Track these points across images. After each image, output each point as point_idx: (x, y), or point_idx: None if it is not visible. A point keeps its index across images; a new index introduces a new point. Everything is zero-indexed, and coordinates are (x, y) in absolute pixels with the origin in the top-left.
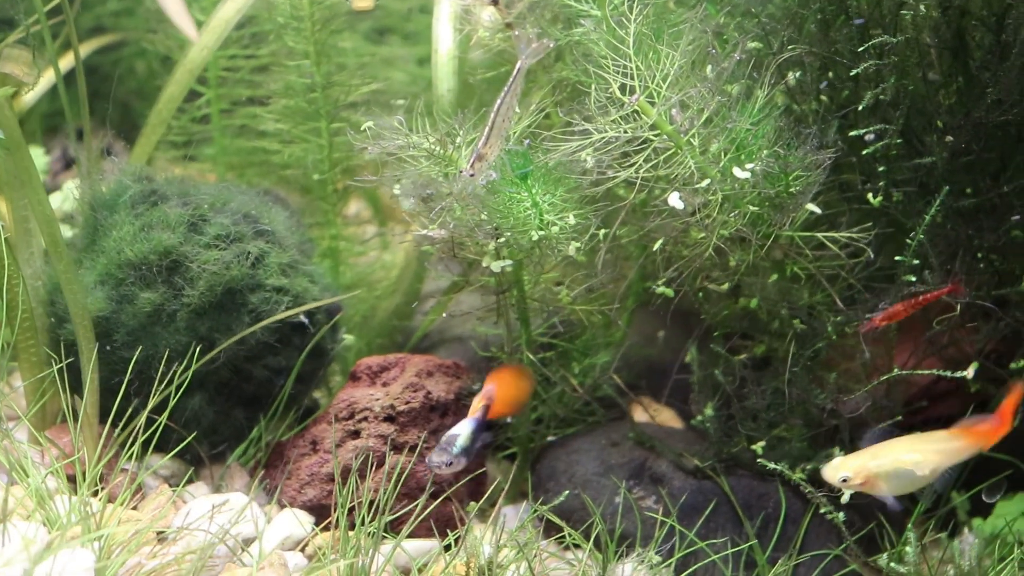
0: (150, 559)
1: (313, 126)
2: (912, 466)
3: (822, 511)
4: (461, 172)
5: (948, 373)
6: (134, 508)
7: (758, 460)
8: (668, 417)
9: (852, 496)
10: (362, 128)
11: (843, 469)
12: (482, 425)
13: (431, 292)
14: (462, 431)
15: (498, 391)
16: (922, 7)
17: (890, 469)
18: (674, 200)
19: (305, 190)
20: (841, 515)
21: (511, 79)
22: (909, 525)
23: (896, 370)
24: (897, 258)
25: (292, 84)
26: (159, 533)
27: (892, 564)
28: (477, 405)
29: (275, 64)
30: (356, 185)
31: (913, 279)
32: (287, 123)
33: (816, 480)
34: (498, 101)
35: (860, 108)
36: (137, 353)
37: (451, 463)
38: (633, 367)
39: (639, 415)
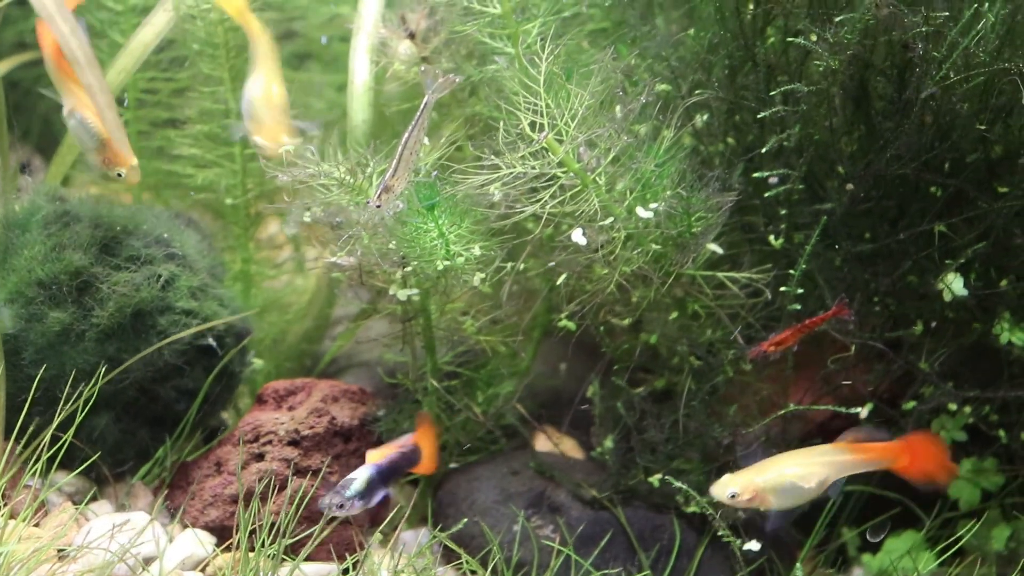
0: None
1: (227, 151)
2: (797, 479)
3: (720, 534)
4: (368, 203)
5: (843, 409)
6: (36, 525)
7: (665, 478)
8: (570, 447)
9: (746, 521)
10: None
11: (731, 485)
12: (384, 474)
13: (341, 317)
14: (358, 476)
15: (428, 450)
16: (828, 60)
17: (776, 483)
18: (577, 236)
19: (219, 214)
20: (739, 541)
21: (418, 113)
22: (798, 563)
23: (792, 406)
24: (783, 289)
25: (207, 109)
26: (60, 551)
27: None
28: (384, 452)
29: (194, 88)
30: (272, 209)
31: (799, 307)
32: (201, 148)
33: (709, 518)
34: (405, 135)
35: (764, 152)
36: (44, 371)
37: (342, 505)
38: (537, 397)
39: (541, 444)
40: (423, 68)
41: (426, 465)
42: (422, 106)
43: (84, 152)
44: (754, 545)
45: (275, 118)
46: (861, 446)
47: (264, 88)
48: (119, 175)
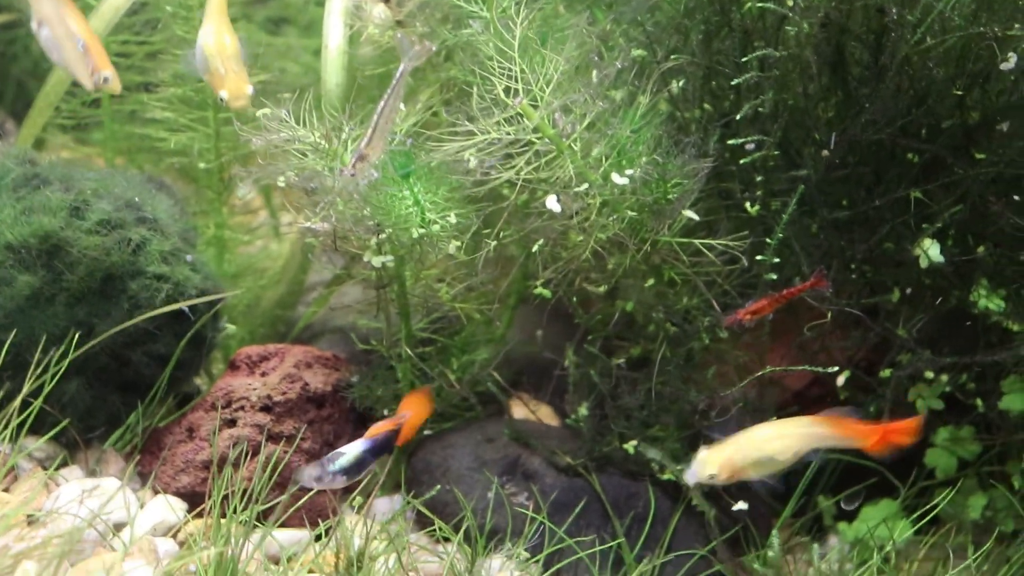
0: (17, 542)
1: (200, 115)
2: (775, 452)
3: (693, 503)
4: (342, 171)
5: (820, 369)
6: (5, 491)
7: (637, 448)
8: (546, 414)
9: (721, 495)
10: (249, 119)
11: (709, 467)
12: (377, 449)
13: (315, 283)
14: (349, 451)
15: (414, 417)
16: (804, 24)
17: (755, 458)
18: (551, 203)
19: (192, 178)
20: (713, 512)
21: (394, 81)
22: (774, 530)
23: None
24: (759, 257)
25: (180, 73)
26: (29, 516)
27: (756, 565)
28: (381, 428)
29: (167, 51)
30: (246, 174)
31: (775, 277)
32: (175, 111)
33: (683, 487)
34: (381, 103)
35: (739, 118)
36: (13, 336)
37: (321, 479)
38: (514, 364)
39: (517, 411)
40: (399, 35)
41: (403, 433)
42: (398, 74)
43: (61, 65)
44: (743, 505)
45: (233, 68)
46: (838, 420)
47: (216, 39)
48: (105, 80)
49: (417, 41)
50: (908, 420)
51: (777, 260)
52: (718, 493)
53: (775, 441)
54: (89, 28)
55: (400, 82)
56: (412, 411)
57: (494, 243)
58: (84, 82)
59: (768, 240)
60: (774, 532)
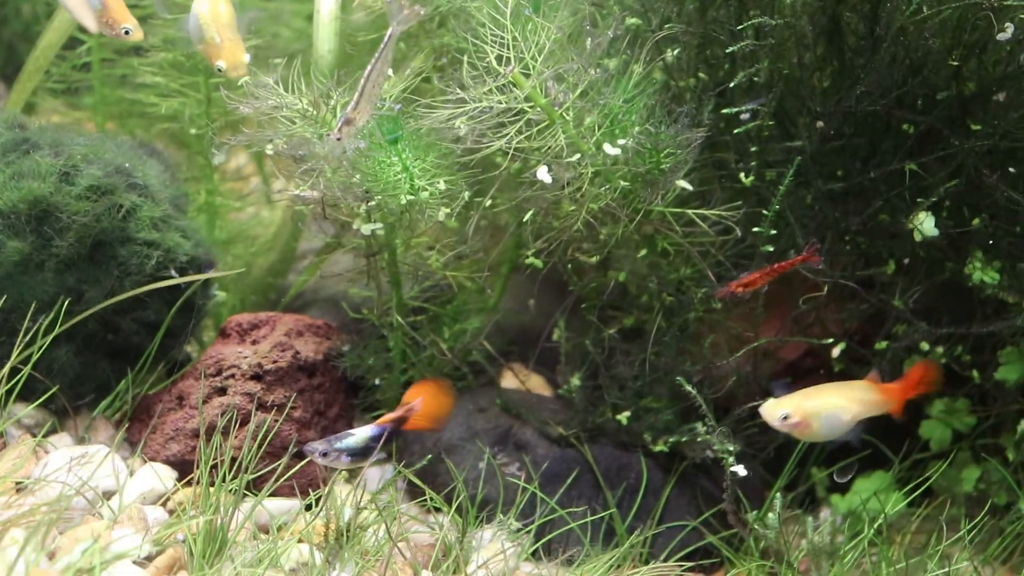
0: (5, 509)
1: (192, 80)
2: (839, 411)
3: (715, 446)
4: (329, 136)
5: (815, 340)
6: None
7: (635, 413)
8: (538, 384)
9: (712, 467)
10: (238, 85)
11: (783, 407)
12: (385, 436)
13: (307, 251)
14: (358, 435)
15: (424, 406)
16: None
17: (823, 410)
18: (542, 174)
19: (184, 144)
20: (732, 459)
21: (382, 45)
22: (776, 494)
23: (763, 340)
24: (755, 229)
25: (171, 37)
26: (17, 483)
27: (755, 525)
28: (391, 416)
29: (159, 15)
30: (238, 140)
31: (771, 249)
32: (166, 77)
33: (680, 452)
34: (368, 67)
35: (732, 87)
36: (2, 302)
37: (326, 454)
38: (506, 333)
39: (509, 381)
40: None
41: (419, 422)
42: (386, 38)
43: (81, 20)
44: (741, 469)
45: (229, 37)
46: (883, 387)
47: (211, 7)
48: (127, 32)
49: (407, 5)
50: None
51: (773, 232)
52: (710, 465)
53: (840, 399)
54: None
55: (388, 47)
56: (424, 398)
57: (483, 210)
58: (97, 29)
59: (764, 212)
60: (777, 496)
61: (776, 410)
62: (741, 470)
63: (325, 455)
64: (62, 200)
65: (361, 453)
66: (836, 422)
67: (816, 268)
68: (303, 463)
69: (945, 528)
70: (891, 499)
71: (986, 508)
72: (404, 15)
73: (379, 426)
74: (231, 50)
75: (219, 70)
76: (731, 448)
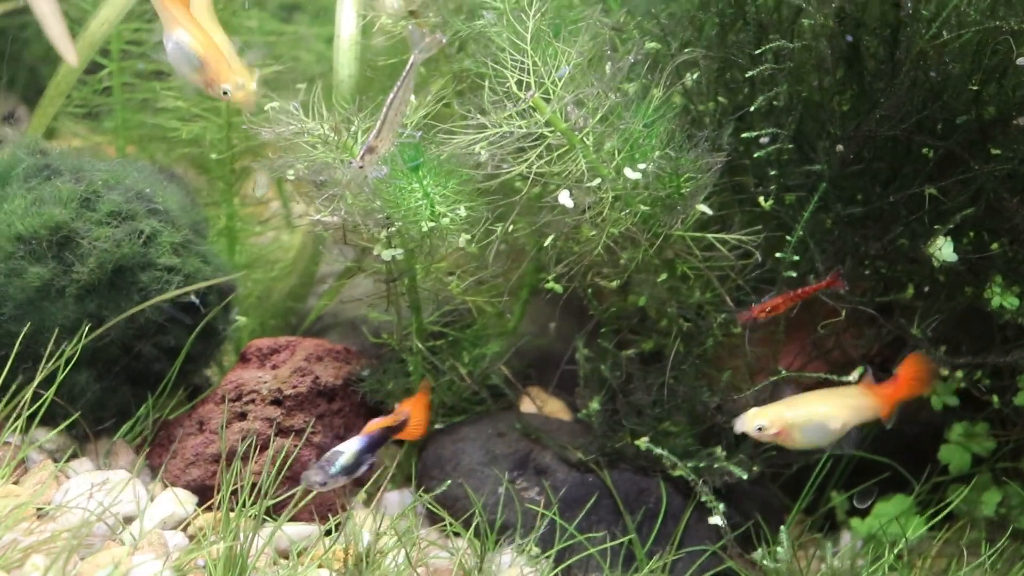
0: (27, 535)
1: (212, 105)
2: (824, 419)
3: (703, 500)
4: (351, 163)
5: (835, 377)
6: (15, 483)
7: (648, 445)
8: (557, 408)
9: (731, 491)
10: (262, 110)
11: (760, 418)
12: (374, 444)
13: (326, 275)
14: (347, 450)
15: (415, 415)
16: (819, 16)
17: (805, 420)
18: (564, 198)
19: (204, 169)
20: (721, 506)
21: (404, 73)
22: (783, 527)
23: (782, 371)
24: (778, 255)
25: None
26: (39, 509)
27: (765, 562)
28: (378, 424)
29: None
30: (258, 165)
31: (794, 275)
32: (187, 101)
33: (700, 476)
34: (391, 95)
35: (752, 110)
36: (25, 328)
37: (325, 483)
38: (525, 357)
39: (527, 406)
40: (410, 26)
41: (409, 431)
42: (408, 66)
43: (184, 77)
44: (719, 520)
45: (225, 56)
46: (874, 388)
47: (194, 29)
48: (224, 93)
49: (428, 33)
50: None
51: (796, 258)
52: (729, 489)
53: (826, 407)
54: (209, 40)
55: (410, 74)
56: (413, 409)
57: (503, 235)
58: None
59: (787, 237)
60: (783, 529)
61: (754, 420)
62: (719, 519)
63: (323, 484)
64: (83, 226)
65: (355, 466)
66: (823, 431)
67: (839, 293)
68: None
69: (966, 552)
70: (912, 523)
71: (1007, 532)
72: (425, 43)
73: (365, 436)
74: (230, 71)
75: (224, 94)
76: (742, 475)
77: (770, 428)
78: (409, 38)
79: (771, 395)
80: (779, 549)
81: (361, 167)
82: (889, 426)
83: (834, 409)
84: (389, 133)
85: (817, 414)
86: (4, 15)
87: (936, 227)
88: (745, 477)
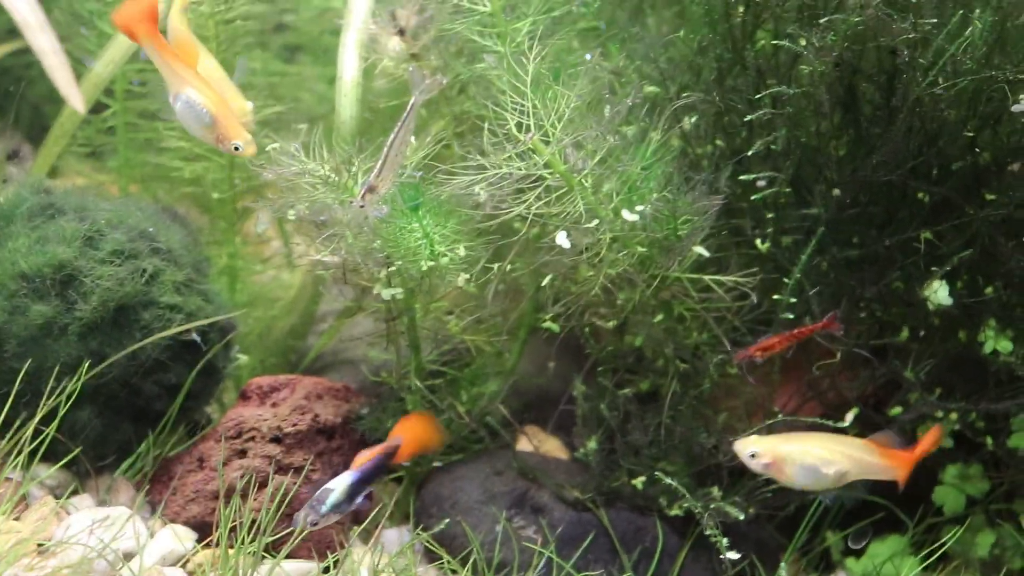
0: (28, 571)
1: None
2: (819, 462)
3: (707, 533)
4: (352, 203)
5: (830, 422)
6: (16, 519)
7: (652, 477)
8: (554, 447)
9: (727, 531)
10: (263, 151)
11: (755, 445)
12: (367, 477)
13: (326, 314)
14: (337, 487)
15: (408, 438)
16: (817, 63)
17: (799, 458)
18: (561, 239)
19: (206, 208)
20: (725, 541)
21: (404, 114)
22: (782, 563)
23: (778, 414)
24: (776, 297)
25: None
26: (40, 545)
27: None
28: (369, 456)
29: None
30: (259, 204)
31: (791, 317)
32: (189, 141)
33: (697, 516)
34: (392, 135)
35: (750, 154)
36: (27, 365)
37: (316, 523)
38: (523, 396)
39: (525, 445)
40: (411, 68)
41: (403, 453)
42: (408, 107)
43: (194, 133)
44: (732, 555)
45: (234, 114)
46: (887, 451)
47: (208, 93)
48: (236, 148)
49: (429, 75)
50: (927, 437)
51: (793, 300)
52: (726, 529)
53: (824, 451)
54: (218, 98)
55: (411, 115)
56: (406, 436)
57: (502, 274)
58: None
59: (784, 280)
60: (782, 565)
61: (747, 447)
62: (732, 554)
63: (315, 524)
64: (86, 264)
65: (348, 501)
66: (815, 474)
67: (835, 335)
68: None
69: None
70: (906, 564)
71: (1001, 573)
72: (426, 84)
73: (356, 471)
74: (240, 127)
75: (236, 149)
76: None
77: (763, 457)
78: (410, 80)
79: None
80: None
81: (362, 206)
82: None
83: (832, 455)
84: (390, 173)
85: (812, 455)
86: (9, 54)
87: (933, 269)
88: (741, 518)
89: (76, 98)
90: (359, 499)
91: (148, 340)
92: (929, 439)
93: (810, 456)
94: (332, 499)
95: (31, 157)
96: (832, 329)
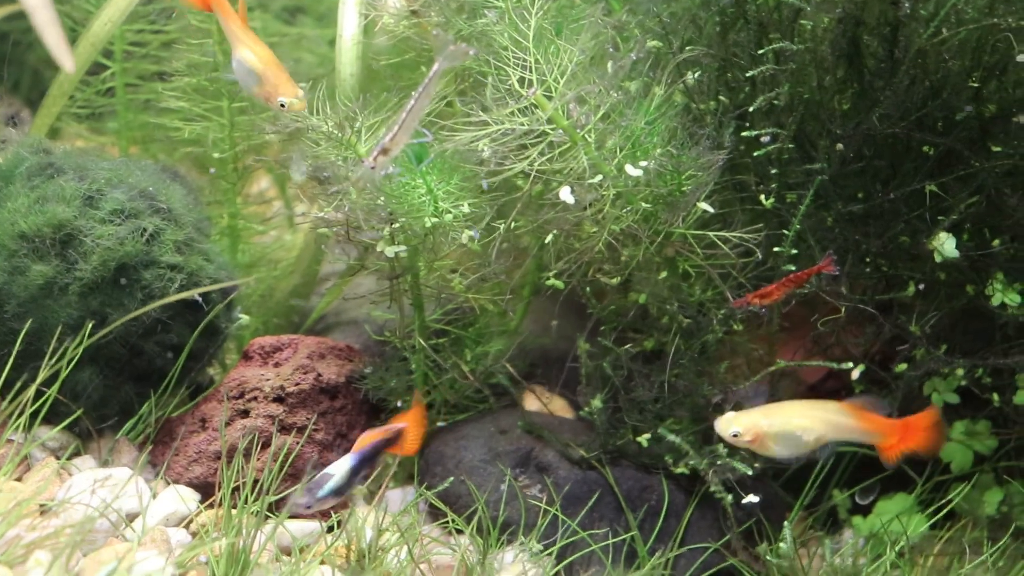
0: (30, 531)
1: (215, 105)
2: (800, 431)
3: (712, 490)
4: (363, 162)
5: (835, 365)
6: (18, 480)
7: (656, 434)
8: (560, 406)
9: (732, 489)
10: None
11: (735, 424)
12: (365, 461)
13: (329, 274)
14: (337, 471)
15: (411, 430)
16: (820, 17)
17: (780, 430)
18: (565, 194)
19: (206, 168)
20: (729, 497)
21: (427, 79)
22: (787, 522)
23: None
24: (776, 249)
25: (195, 62)
26: (42, 506)
27: (768, 557)
28: (370, 438)
29: (182, 40)
30: (260, 163)
31: (792, 268)
32: (189, 101)
33: (702, 474)
34: (411, 100)
35: (752, 110)
36: (28, 325)
37: (310, 506)
38: (528, 355)
39: (531, 403)
40: (436, 32)
41: (405, 447)
42: (431, 73)
43: (249, 92)
44: (753, 498)
45: (282, 73)
46: (865, 414)
47: (258, 50)
48: (282, 105)
49: (453, 41)
50: (924, 414)
51: (795, 252)
52: (732, 486)
53: (802, 419)
54: (268, 56)
55: (433, 81)
56: (412, 424)
57: (506, 232)
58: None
59: (785, 232)
60: (787, 524)
61: (729, 426)
62: (754, 498)
63: (309, 507)
64: (86, 224)
65: (347, 486)
66: (796, 442)
67: (834, 279)
68: None
69: (968, 551)
70: (913, 521)
71: (1009, 531)
72: (451, 51)
73: (356, 454)
74: (288, 84)
75: (282, 106)
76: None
77: (745, 435)
78: (434, 45)
79: (772, 390)
80: (782, 545)
81: (373, 167)
82: (890, 470)
83: (810, 422)
84: (404, 136)
85: (792, 425)
86: (7, 18)
87: (940, 218)
88: (750, 472)
89: (66, 57)
90: (357, 482)
91: (155, 304)
92: (921, 418)
93: (789, 426)
94: (330, 486)
95: (30, 122)
96: (828, 271)
